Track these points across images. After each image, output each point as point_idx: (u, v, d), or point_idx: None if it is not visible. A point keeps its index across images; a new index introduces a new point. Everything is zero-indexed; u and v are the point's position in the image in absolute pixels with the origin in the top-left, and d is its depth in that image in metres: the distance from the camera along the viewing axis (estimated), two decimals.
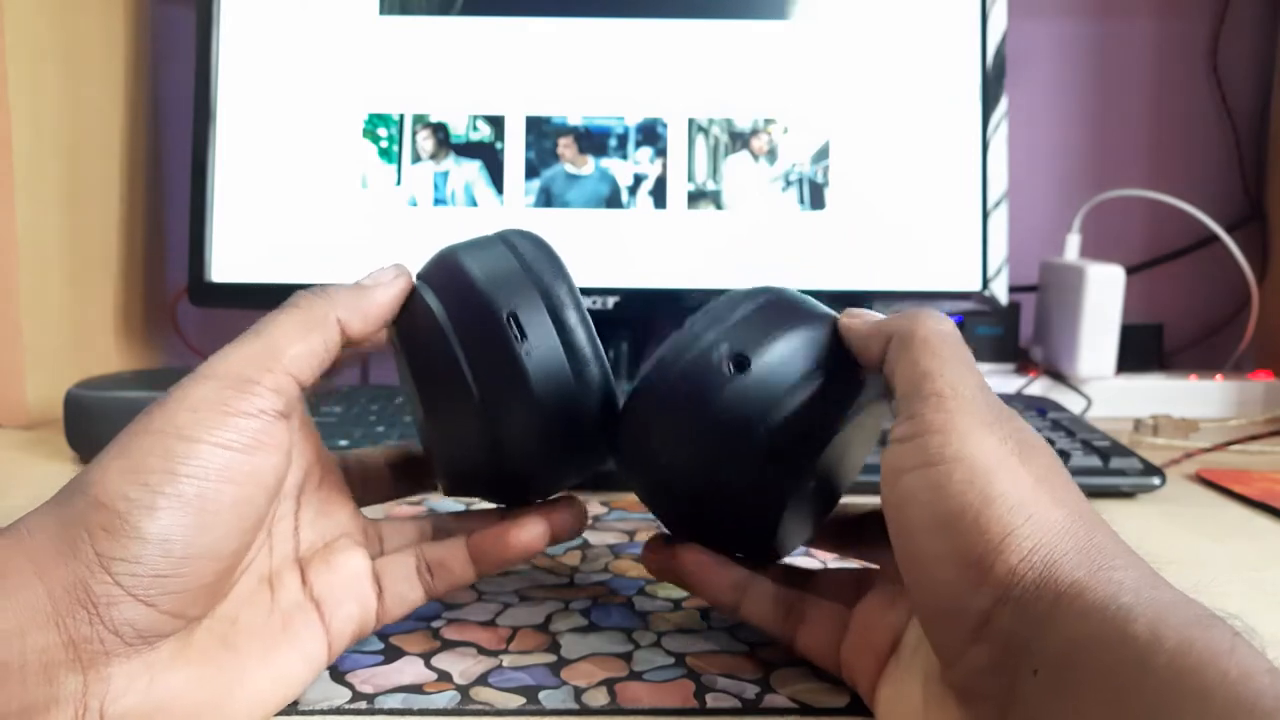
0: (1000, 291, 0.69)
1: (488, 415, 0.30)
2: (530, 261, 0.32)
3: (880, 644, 0.29)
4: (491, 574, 0.35)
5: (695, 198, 0.68)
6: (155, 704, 0.25)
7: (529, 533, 0.33)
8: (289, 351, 0.28)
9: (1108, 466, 0.52)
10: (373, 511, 0.36)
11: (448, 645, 0.34)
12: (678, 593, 0.38)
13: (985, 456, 0.24)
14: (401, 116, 0.68)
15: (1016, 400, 0.66)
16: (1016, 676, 0.22)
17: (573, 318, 0.31)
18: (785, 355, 0.30)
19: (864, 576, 0.33)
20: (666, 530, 0.34)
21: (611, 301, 0.67)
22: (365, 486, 0.35)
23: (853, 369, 0.31)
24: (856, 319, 0.31)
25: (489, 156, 0.68)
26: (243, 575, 0.29)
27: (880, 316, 0.30)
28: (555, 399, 0.30)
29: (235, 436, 0.26)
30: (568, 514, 0.34)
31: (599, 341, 0.32)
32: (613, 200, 0.68)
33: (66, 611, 0.23)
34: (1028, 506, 0.23)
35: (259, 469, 0.26)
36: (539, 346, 0.30)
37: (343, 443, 0.54)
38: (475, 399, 0.30)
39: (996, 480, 0.24)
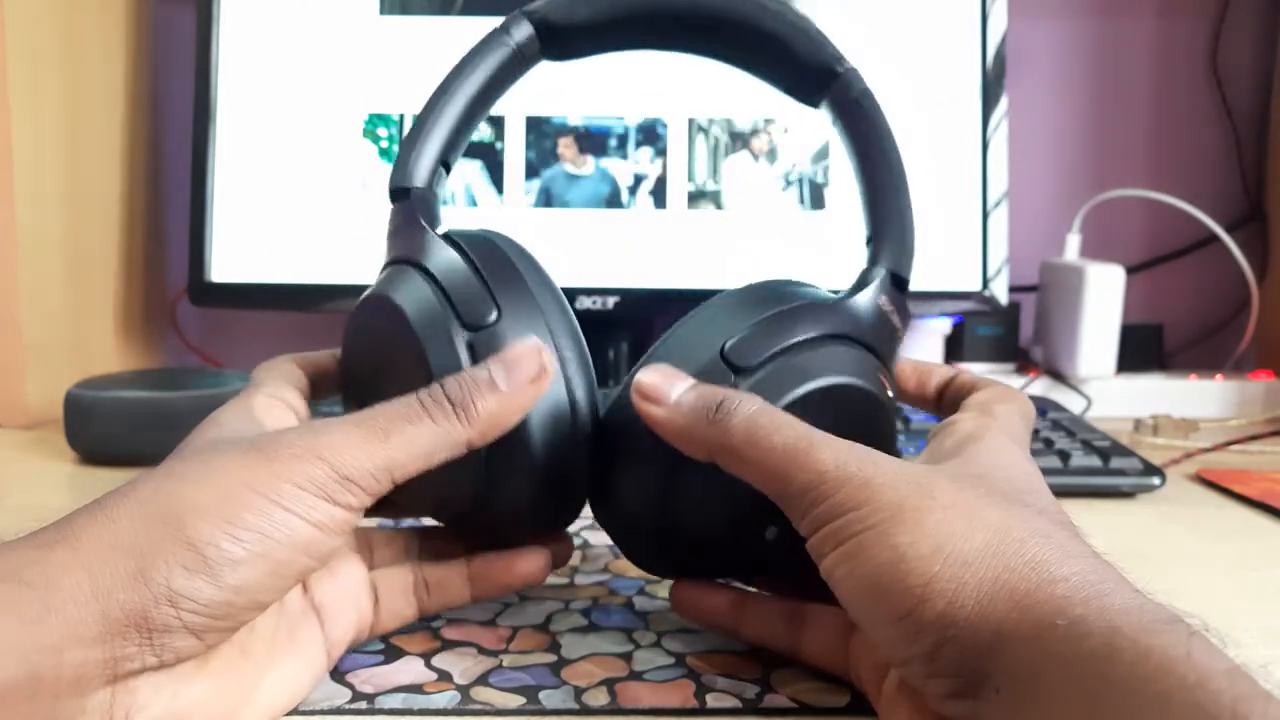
0: (1000, 291, 0.69)
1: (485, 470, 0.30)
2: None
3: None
4: (487, 599, 0.35)
5: (695, 198, 0.68)
6: (176, 714, 0.25)
7: (531, 564, 0.33)
8: (406, 469, 0.28)
9: (1108, 466, 0.52)
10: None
11: (448, 645, 0.34)
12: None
13: (880, 516, 0.24)
14: (401, 116, 0.68)
15: None
16: (979, 699, 0.23)
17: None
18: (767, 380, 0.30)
19: None
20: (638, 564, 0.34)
21: (611, 301, 0.67)
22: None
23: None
24: (651, 407, 0.29)
25: (489, 156, 0.68)
26: None
27: (681, 394, 0.29)
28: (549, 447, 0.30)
29: (327, 522, 0.26)
30: (564, 546, 0.35)
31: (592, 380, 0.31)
32: (613, 200, 0.68)
33: (119, 633, 0.23)
34: (942, 547, 0.23)
35: (331, 548, 0.27)
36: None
37: None
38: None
39: (901, 534, 0.24)
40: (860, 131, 0.35)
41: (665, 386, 0.29)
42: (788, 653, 0.32)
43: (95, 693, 0.24)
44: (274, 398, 0.32)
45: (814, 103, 0.36)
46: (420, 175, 0.34)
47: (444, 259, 0.32)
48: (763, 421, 0.27)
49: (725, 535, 0.31)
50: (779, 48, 0.35)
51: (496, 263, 0.32)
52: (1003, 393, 0.33)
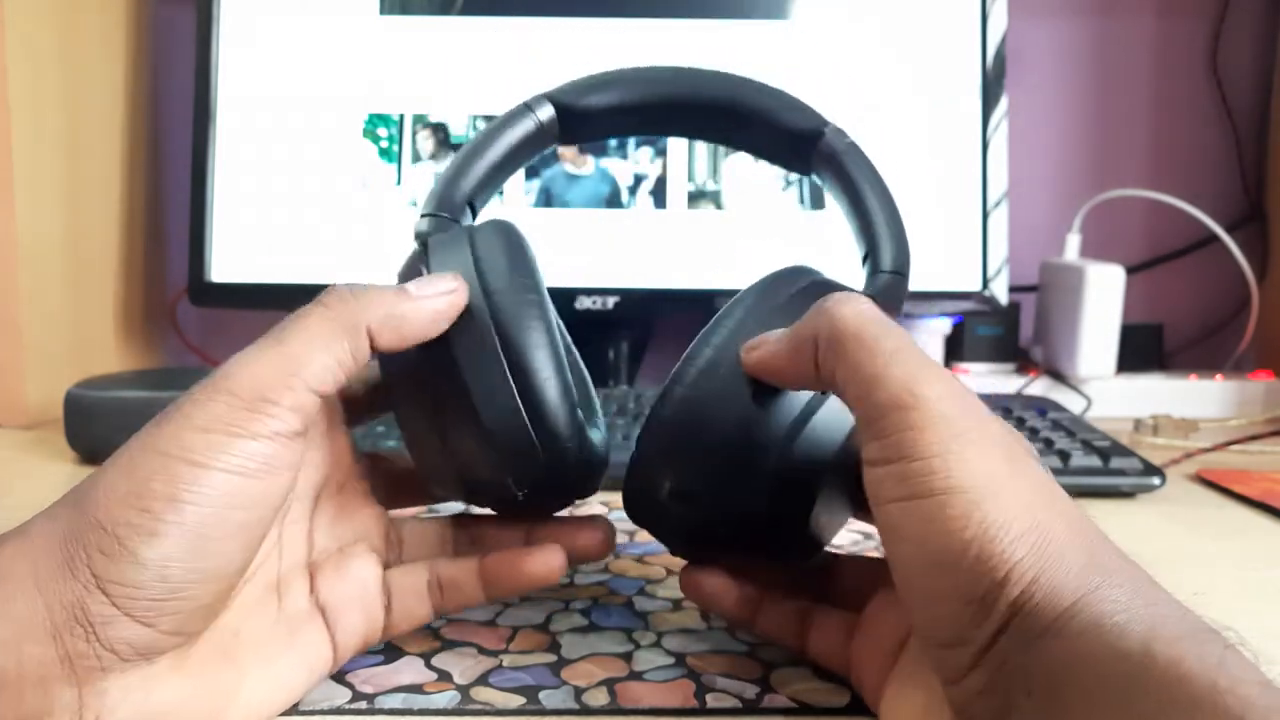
0: (1000, 291, 0.69)
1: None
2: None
3: (887, 643, 0.29)
4: (505, 598, 0.35)
5: (695, 198, 0.68)
6: (151, 716, 0.25)
7: (543, 564, 0.32)
8: (311, 365, 0.26)
9: (1108, 466, 0.52)
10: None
11: (448, 645, 0.34)
12: (677, 593, 0.38)
13: (976, 480, 0.23)
14: (401, 116, 0.68)
15: (1016, 400, 0.66)
16: (1010, 698, 0.22)
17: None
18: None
19: (875, 574, 0.32)
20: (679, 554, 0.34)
21: (611, 301, 0.67)
22: (393, 489, 0.34)
23: None
24: (757, 349, 0.28)
25: None
26: (247, 584, 0.28)
27: (779, 333, 0.28)
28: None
29: (246, 462, 0.24)
30: (592, 536, 0.33)
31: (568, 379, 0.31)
32: (613, 200, 0.68)
33: (64, 627, 0.23)
34: (1029, 534, 0.22)
35: (267, 492, 0.25)
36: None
37: (390, 443, 0.54)
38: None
39: (994, 509, 0.22)
40: (850, 179, 0.35)
41: (765, 339, 0.28)
42: (795, 649, 0.32)
43: (61, 693, 0.23)
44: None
45: (805, 168, 0.37)
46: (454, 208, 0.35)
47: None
48: (872, 318, 0.26)
49: (767, 518, 0.30)
50: (767, 121, 0.36)
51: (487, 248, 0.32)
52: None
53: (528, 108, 0.37)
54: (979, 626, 0.22)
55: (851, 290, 0.31)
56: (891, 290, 0.34)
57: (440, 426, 0.30)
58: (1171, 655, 0.19)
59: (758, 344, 0.29)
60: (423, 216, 0.35)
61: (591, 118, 0.37)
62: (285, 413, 0.25)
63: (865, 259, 0.35)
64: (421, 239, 0.34)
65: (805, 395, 0.29)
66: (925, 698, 0.26)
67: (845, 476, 0.29)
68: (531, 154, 0.37)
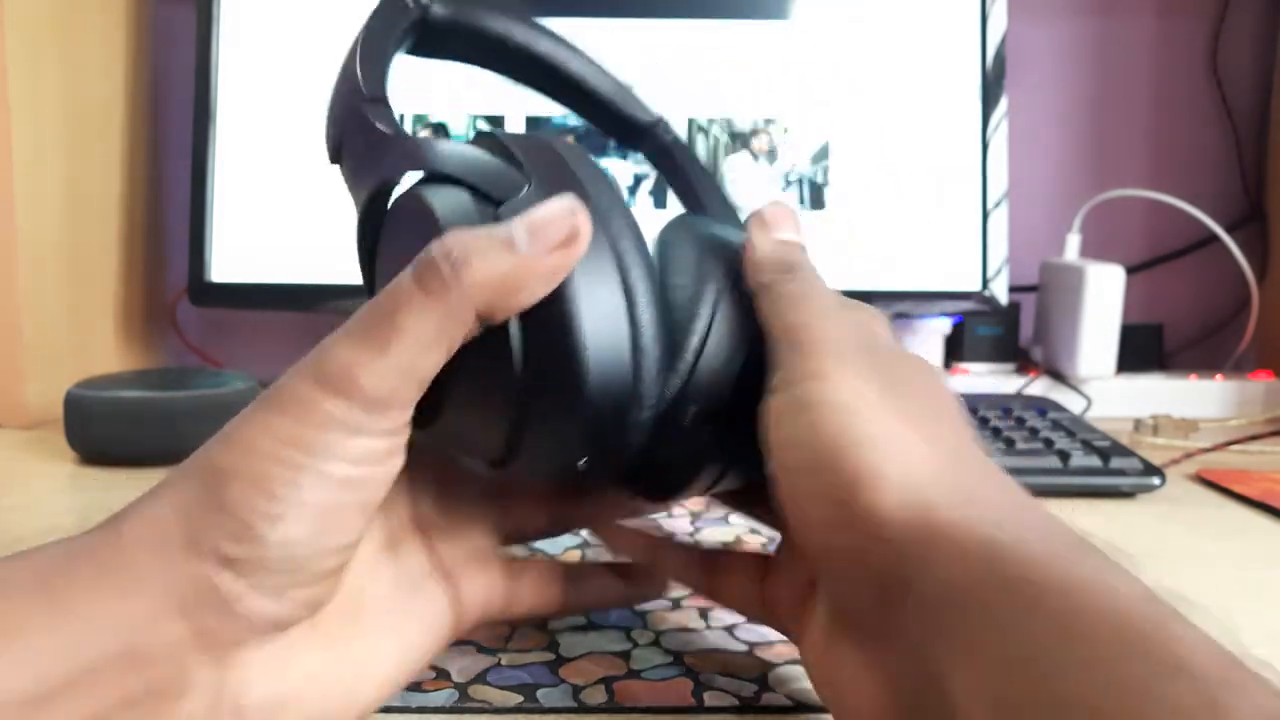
0: (1000, 291, 0.69)
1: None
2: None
3: (800, 580, 0.29)
4: (637, 602, 0.37)
5: None
6: (290, 687, 0.25)
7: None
8: (425, 368, 0.24)
9: (1108, 466, 0.52)
10: None
11: None
12: (676, 591, 0.38)
13: (853, 399, 0.24)
14: (401, 116, 0.68)
15: (1016, 400, 0.66)
16: (898, 613, 0.23)
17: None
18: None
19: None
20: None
21: None
22: (511, 512, 0.33)
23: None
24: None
25: None
26: (361, 544, 0.27)
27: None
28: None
29: (364, 455, 0.24)
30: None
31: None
32: None
33: (194, 605, 0.23)
34: (895, 445, 0.24)
35: (383, 475, 0.25)
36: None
37: None
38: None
39: (863, 422, 0.24)
40: (676, 167, 0.37)
41: (786, 223, 0.31)
42: (707, 596, 0.32)
43: (196, 670, 0.23)
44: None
45: (636, 147, 0.39)
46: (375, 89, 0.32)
47: (451, 151, 0.29)
48: (812, 282, 0.29)
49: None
50: (607, 102, 0.38)
51: (529, 145, 0.28)
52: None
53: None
54: (847, 528, 0.23)
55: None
56: None
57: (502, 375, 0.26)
58: (1060, 580, 0.20)
59: (775, 223, 0.31)
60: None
61: (452, 34, 0.35)
62: (398, 413, 0.25)
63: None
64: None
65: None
66: (826, 630, 0.26)
67: None
68: (396, 46, 0.36)
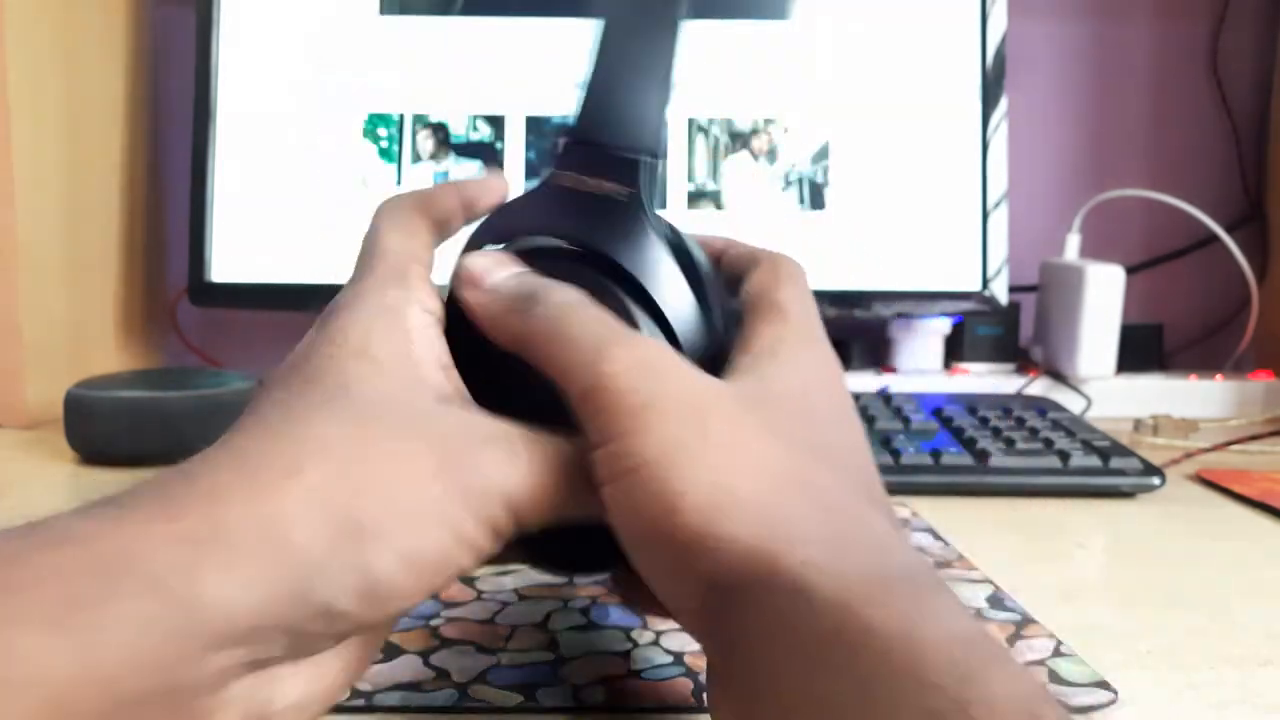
0: (1000, 291, 0.69)
1: None
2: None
3: None
4: None
5: (695, 198, 0.68)
6: (317, 696, 0.23)
7: None
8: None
9: (1108, 466, 0.52)
10: None
11: (446, 643, 0.33)
12: None
13: (663, 452, 0.22)
14: (401, 116, 0.68)
15: (1016, 400, 0.66)
16: (726, 647, 0.22)
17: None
18: None
19: None
20: None
21: None
22: None
23: None
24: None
25: (489, 156, 0.68)
26: None
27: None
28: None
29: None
30: None
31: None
32: None
33: (266, 638, 0.21)
34: (712, 499, 0.22)
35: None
36: None
37: None
38: None
39: (677, 480, 0.22)
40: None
41: (490, 271, 0.27)
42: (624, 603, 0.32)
43: (235, 685, 0.21)
44: (428, 313, 0.27)
45: None
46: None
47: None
48: (572, 316, 0.25)
49: None
50: None
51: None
52: (781, 275, 0.29)
53: None
54: (687, 596, 0.23)
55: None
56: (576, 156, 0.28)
57: None
58: (860, 626, 0.19)
59: (474, 279, 0.27)
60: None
61: None
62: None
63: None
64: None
65: None
66: None
67: None
68: None
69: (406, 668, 0.32)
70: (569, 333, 0.24)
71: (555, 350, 0.24)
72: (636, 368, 0.23)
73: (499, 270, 0.27)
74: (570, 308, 0.25)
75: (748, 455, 0.23)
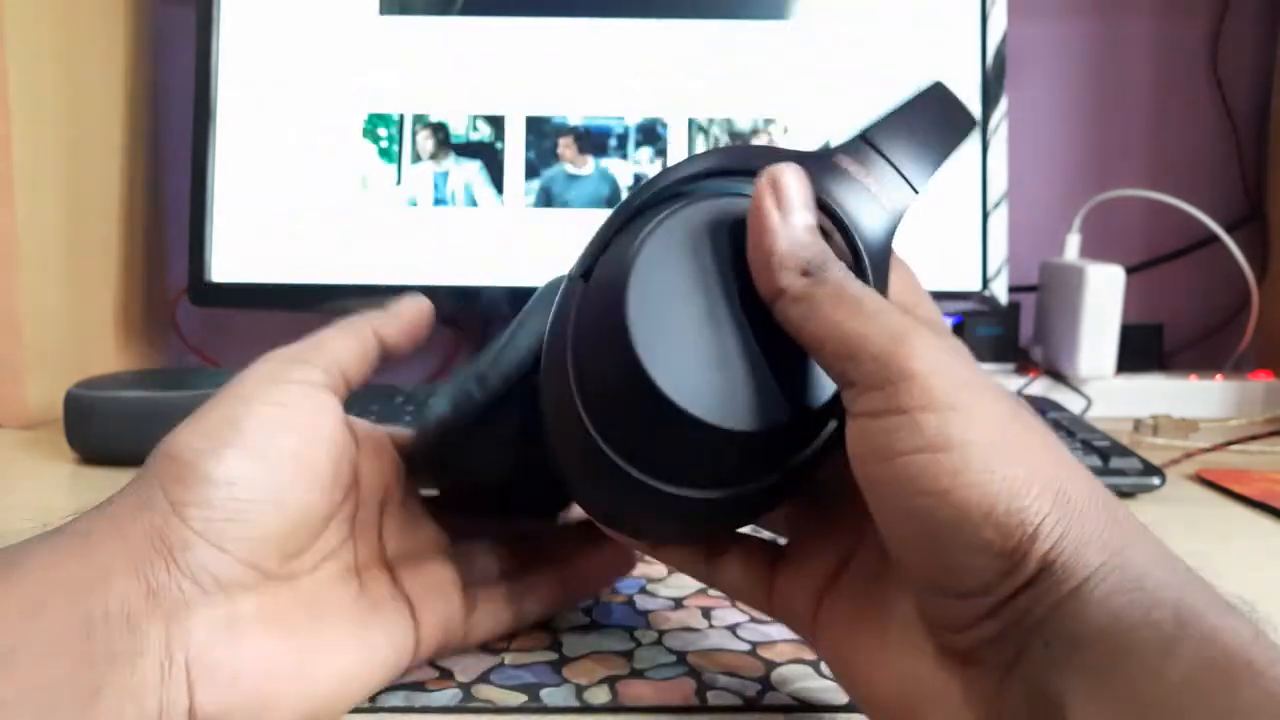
0: (1000, 291, 0.69)
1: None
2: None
3: (817, 578, 0.28)
4: (585, 599, 0.37)
5: None
6: (241, 662, 0.25)
7: (614, 559, 0.35)
8: (331, 344, 0.31)
9: (1108, 466, 0.52)
10: None
11: None
12: (679, 591, 0.38)
13: (991, 434, 0.22)
14: (401, 116, 0.68)
15: None
16: (1024, 648, 0.22)
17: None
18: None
19: (800, 516, 0.31)
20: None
21: None
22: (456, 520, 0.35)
23: None
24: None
25: (489, 156, 0.68)
26: (325, 561, 0.29)
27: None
28: None
29: (288, 398, 0.29)
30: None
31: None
32: (613, 200, 0.68)
33: (144, 560, 0.25)
34: (1050, 488, 0.22)
35: (314, 423, 0.29)
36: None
37: None
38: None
39: (1014, 462, 0.22)
40: None
41: (797, 200, 0.25)
42: (705, 582, 0.31)
43: (148, 630, 0.24)
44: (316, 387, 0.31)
45: None
46: None
47: None
48: (864, 294, 0.24)
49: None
50: None
51: None
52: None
53: None
54: (1007, 578, 0.22)
55: None
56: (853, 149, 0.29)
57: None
58: (1205, 629, 0.19)
59: (783, 200, 0.26)
60: None
61: None
62: (315, 369, 0.30)
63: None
64: None
65: None
66: (883, 637, 0.26)
67: None
68: None
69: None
70: (868, 307, 0.24)
71: (849, 321, 0.23)
72: (948, 348, 0.23)
73: (804, 209, 0.25)
74: (852, 280, 0.24)
75: (1059, 451, 0.23)
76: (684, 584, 0.39)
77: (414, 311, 0.35)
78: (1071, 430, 0.58)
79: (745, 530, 0.30)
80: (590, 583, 0.36)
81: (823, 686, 0.31)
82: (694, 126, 0.68)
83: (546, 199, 0.68)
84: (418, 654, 0.31)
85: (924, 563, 0.23)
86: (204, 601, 0.25)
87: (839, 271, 0.24)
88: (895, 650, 0.25)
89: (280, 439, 0.28)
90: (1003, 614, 0.22)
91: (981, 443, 0.22)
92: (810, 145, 0.28)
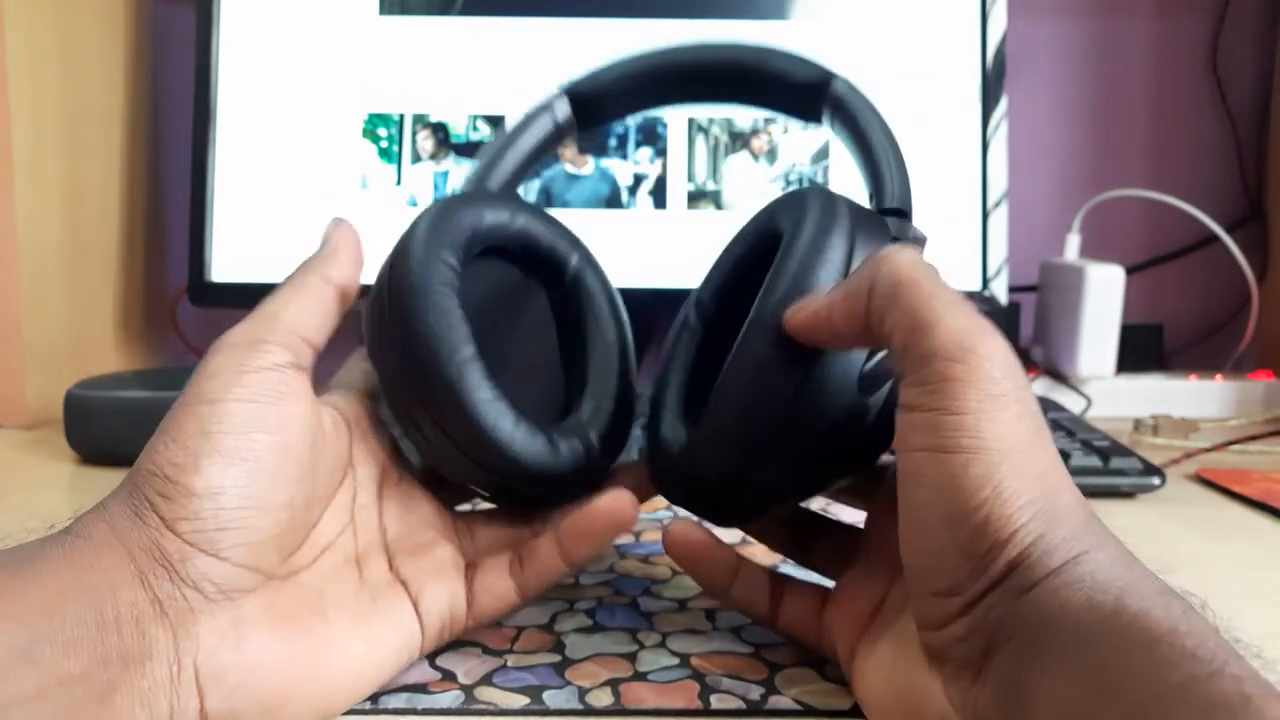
0: (1000, 291, 0.69)
1: None
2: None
3: (863, 609, 0.30)
4: (584, 559, 0.33)
5: (695, 198, 0.68)
6: (249, 663, 0.26)
7: (614, 500, 0.32)
8: (285, 311, 0.31)
9: (1108, 466, 0.52)
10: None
11: (452, 645, 0.33)
12: (682, 593, 0.38)
13: (1003, 443, 0.24)
14: (401, 116, 0.68)
15: None
16: (990, 644, 0.23)
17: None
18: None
19: (855, 543, 0.33)
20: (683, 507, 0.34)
21: None
22: (455, 490, 0.35)
23: None
24: (805, 308, 0.28)
25: None
26: (325, 552, 0.30)
27: (824, 294, 0.28)
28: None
29: (254, 391, 0.28)
30: (634, 478, 0.35)
31: None
32: (613, 200, 0.68)
33: (148, 570, 0.25)
34: (1037, 500, 0.23)
35: (286, 412, 0.28)
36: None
37: None
38: None
39: (1011, 473, 0.23)
40: (857, 124, 0.37)
41: (811, 299, 0.29)
42: (765, 619, 0.33)
43: (156, 634, 0.24)
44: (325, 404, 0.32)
45: (816, 115, 0.38)
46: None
47: None
48: (929, 268, 0.28)
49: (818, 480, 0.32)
50: (774, 77, 0.38)
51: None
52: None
53: (545, 107, 0.39)
54: (975, 580, 0.23)
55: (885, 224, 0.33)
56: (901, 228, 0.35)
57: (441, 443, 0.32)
58: (1138, 608, 0.21)
59: (802, 306, 0.29)
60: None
61: (605, 100, 0.39)
62: (274, 348, 0.29)
63: (871, 198, 0.36)
64: None
65: (859, 355, 0.29)
66: (893, 651, 0.27)
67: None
68: (553, 146, 0.40)
69: (412, 669, 0.32)
70: (932, 288, 0.27)
71: (914, 298, 0.26)
72: (1000, 358, 0.25)
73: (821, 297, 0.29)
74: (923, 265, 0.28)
75: (1061, 467, 0.25)
76: (687, 586, 0.39)
77: (347, 239, 0.34)
78: (1071, 430, 0.58)
79: (797, 573, 0.34)
80: (590, 536, 0.32)
81: (827, 690, 0.31)
82: (694, 126, 0.68)
83: (547, 199, 0.68)
84: (424, 639, 0.31)
85: (915, 554, 0.25)
86: (208, 608, 0.25)
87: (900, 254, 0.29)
88: (889, 664, 0.27)
89: (255, 437, 0.27)
90: (973, 612, 0.24)
91: (985, 450, 0.24)
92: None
